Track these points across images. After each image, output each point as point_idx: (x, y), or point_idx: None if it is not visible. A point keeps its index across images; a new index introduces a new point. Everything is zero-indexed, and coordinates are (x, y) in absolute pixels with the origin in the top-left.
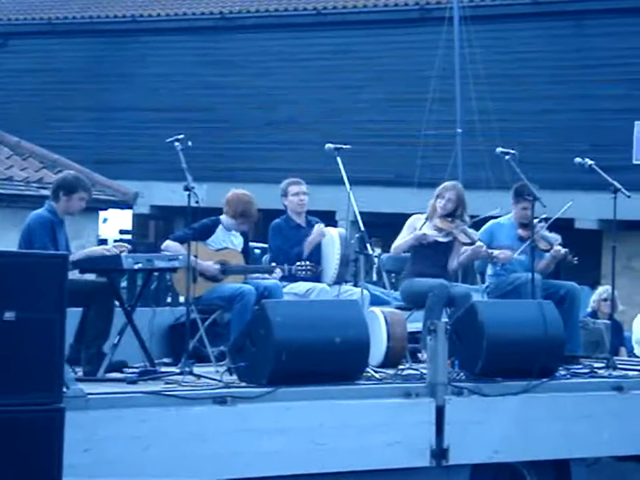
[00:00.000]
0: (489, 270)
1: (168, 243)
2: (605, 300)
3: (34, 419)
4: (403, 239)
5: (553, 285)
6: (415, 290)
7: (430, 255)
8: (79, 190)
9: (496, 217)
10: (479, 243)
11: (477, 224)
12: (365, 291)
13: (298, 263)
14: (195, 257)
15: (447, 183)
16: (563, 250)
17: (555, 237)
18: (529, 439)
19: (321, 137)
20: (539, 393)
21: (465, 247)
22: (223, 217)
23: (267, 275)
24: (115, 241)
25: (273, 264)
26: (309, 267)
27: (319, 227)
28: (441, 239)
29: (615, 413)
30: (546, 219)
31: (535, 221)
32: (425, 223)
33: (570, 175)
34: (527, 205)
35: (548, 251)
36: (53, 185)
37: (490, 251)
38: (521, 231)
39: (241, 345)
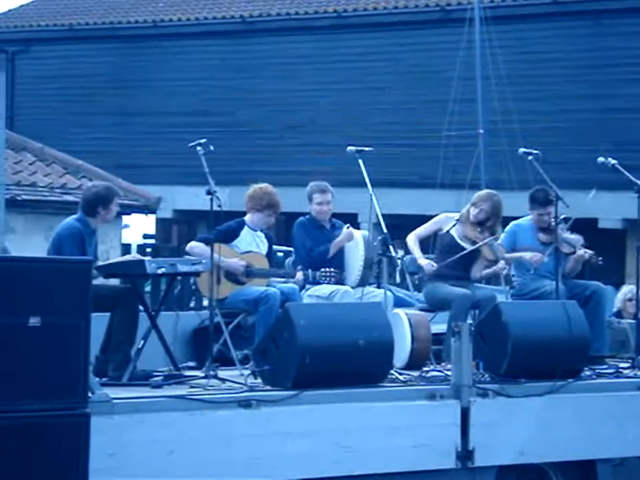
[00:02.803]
0: (513, 270)
1: (193, 244)
2: (631, 300)
3: (60, 424)
4: (419, 236)
5: (579, 285)
6: (438, 296)
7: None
8: (113, 198)
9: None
10: (501, 263)
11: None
12: (389, 292)
13: (322, 270)
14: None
15: (483, 192)
16: (587, 254)
17: (577, 238)
18: (554, 439)
19: (342, 139)
20: (564, 394)
21: (488, 262)
22: (247, 217)
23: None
24: (139, 245)
25: (298, 267)
26: (332, 274)
27: (348, 229)
28: (466, 246)
29: None
30: (565, 220)
31: (553, 222)
32: (454, 225)
33: (593, 174)
34: (542, 211)
35: (572, 254)
36: (86, 202)
37: (520, 254)
38: (541, 235)
39: (265, 348)
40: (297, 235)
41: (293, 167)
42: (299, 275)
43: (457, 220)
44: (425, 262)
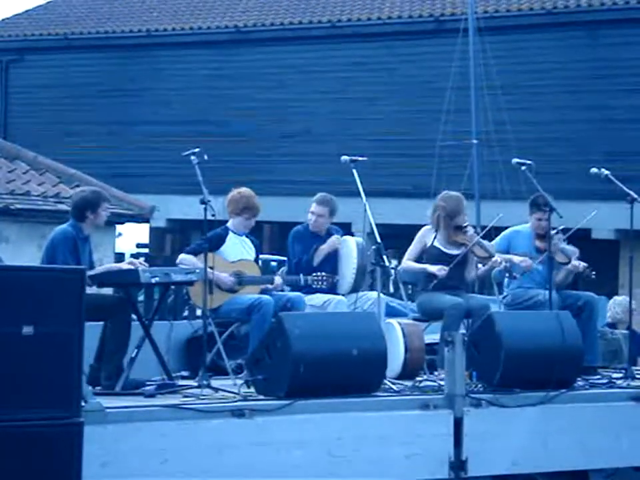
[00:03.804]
0: (507, 280)
1: (183, 257)
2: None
3: (53, 433)
4: (412, 257)
5: (571, 296)
6: (431, 306)
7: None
8: (101, 202)
9: (509, 227)
10: (496, 257)
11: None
12: (382, 295)
13: (314, 274)
14: (212, 268)
15: (455, 195)
16: (581, 266)
17: (573, 250)
18: (547, 450)
19: (336, 149)
20: (557, 404)
21: (482, 260)
22: (229, 223)
23: (269, 286)
24: (132, 255)
25: (277, 272)
26: (324, 277)
27: (335, 238)
28: (455, 252)
29: (634, 423)
30: (564, 230)
31: (553, 232)
32: (435, 236)
33: (586, 185)
34: (541, 215)
35: (566, 264)
36: (74, 207)
37: (510, 256)
38: (537, 242)
39: (259, 358)
40: (291, 245)
41: (287, 177)
42: (277, 280)
43: (436, 231)
44: (435, 268)
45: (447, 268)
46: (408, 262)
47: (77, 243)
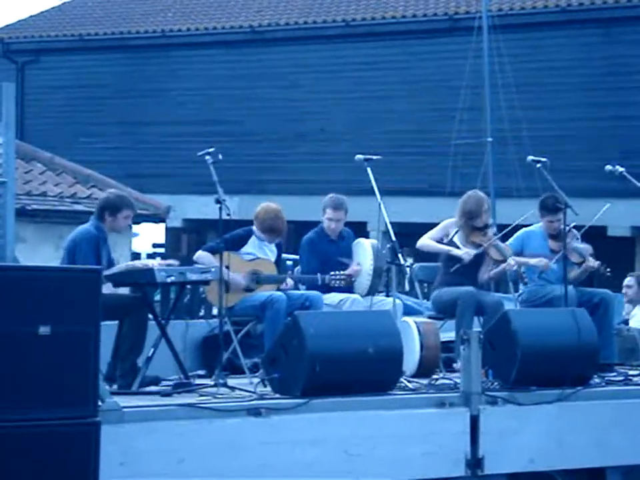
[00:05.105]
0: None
1: (200, 254)
2: None
3: (70, 433)
4: (433, 239)
5: (587, 293)
6: (444, 299)
7: (460, 266)
8: (123, 209)
9: (528, 225)
10: (510, 261)
11: (507, 234)
12: (398, 300)
13: (332, 273)
14: (227, 267)
15: (475, 196)
16: (596, 263)
17: (586, 248)
18: (564, 447)
19: (350, 147)
20: (573, 401)
21: (496, 263)
22: (255, 228)
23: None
24: (148, 255)
25: (289, 273)
26: (343, 277)
27: (358, 267)
28: (472, 252)
29: None
30: (576, 228)
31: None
32: (456, 232)
33: (602, 182)
34: (552, 218)
35: (581, 263)
36: (97, 206)
37: (525, 260)
38: (551, 243)
39: (275, 357)
40: (303, 254)
41: (301, 176)
42: (289, 281)
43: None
44: (461, 252)
45: (472, 252)
46: (430, 241)
47: (99, 243)
